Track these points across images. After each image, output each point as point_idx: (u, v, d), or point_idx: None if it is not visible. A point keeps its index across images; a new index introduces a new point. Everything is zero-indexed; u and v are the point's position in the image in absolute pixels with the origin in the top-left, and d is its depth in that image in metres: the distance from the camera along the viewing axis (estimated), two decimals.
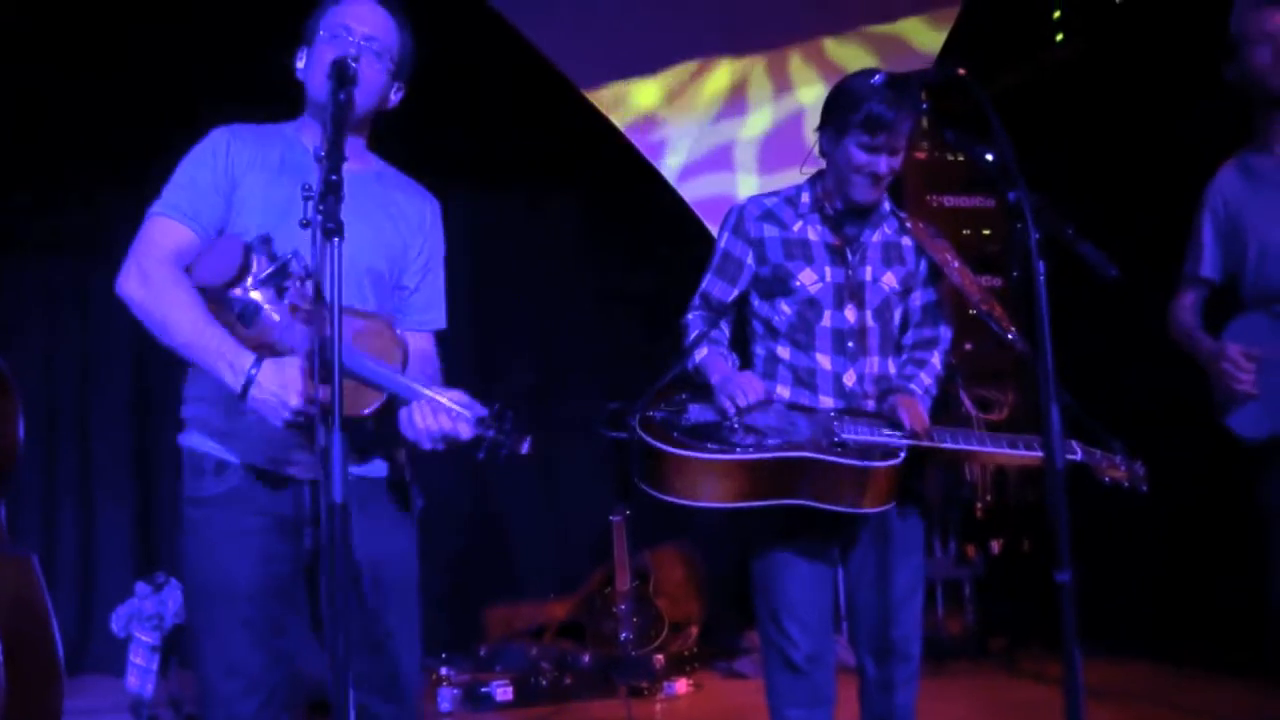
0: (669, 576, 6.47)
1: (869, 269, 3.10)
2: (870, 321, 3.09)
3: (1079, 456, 2.99)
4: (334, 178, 2.29)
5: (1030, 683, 5.68)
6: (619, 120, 6.59)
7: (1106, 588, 5.38)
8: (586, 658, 5.93)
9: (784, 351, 3.12)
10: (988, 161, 2.63)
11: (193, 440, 2.61)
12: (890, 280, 3.12)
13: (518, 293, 7.11)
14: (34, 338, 6.54)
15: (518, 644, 6.21)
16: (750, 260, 3.14)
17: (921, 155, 6.51)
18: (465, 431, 2.44)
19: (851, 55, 6.57)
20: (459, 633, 6.35)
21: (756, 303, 3.17)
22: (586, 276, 7.31)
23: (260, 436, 2.49)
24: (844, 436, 2.93)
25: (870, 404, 3.07)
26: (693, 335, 3.14)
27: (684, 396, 3.05)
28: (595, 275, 7.29)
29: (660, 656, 5.91)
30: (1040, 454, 2.65)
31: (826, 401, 3.06)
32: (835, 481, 2.90)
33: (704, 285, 3.20)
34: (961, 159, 6.45)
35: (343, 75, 2.49)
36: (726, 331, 3.22)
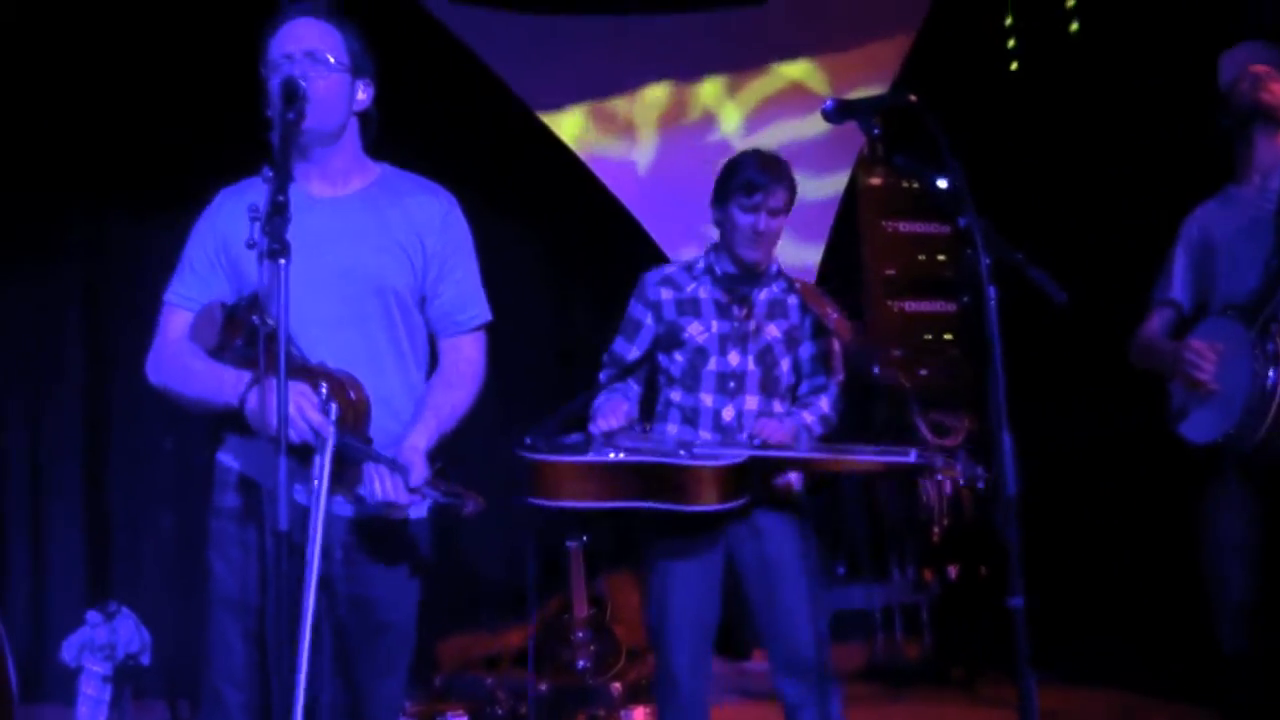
0: (626, 603, 6.44)
1: (754, 322, 3.51)
2: (752, 365, 3.48)
3: (912, 459, 3.20)
4: (280, 198, 2.30)
5: (989, 709, 5.67)
6: (577, 146, 6.60)
7: (1065, 614, 5.40)
8: (543, 687, 5.88)
9: (676, 395, 3.53)
10: (939, 187, 2.64)
11: (223, 456, 2.70)
12: (774, 331, 3.52)
13: None
14: None
15: (473, 674, 6.15)
16: (649, 321, 3.58)
17: (876, 181, 6.57)
18: (402, 497, 2.49)
19: (808, 78, 6.62)
20: (414, 663, 6.29)
21: (660, 357, 3.58)
22: (545, 306, 7.28)
23: (270, 460, 2.49)
24: (694, 450, 3.27)
25: (741, 438, 3.40)
26: (600, 386, 3.57)
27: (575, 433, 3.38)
28: (555, 304, 7.28)
29: (618, 684, 5.87)
30: (881, 459, 3.18)
31: (705, 435, 3.44)
32: (673, 482, 3.20)
33: (612, 345, 3.65)
34: (915, 185, 6.50)
35: (291, 94, 2.51)
36: (635, 387, 3.62)
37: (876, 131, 2.86)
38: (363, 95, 2.75)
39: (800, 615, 3.42)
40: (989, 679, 5.99)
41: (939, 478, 3.30)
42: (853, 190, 6.69)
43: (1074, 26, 6.35)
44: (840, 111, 2.95)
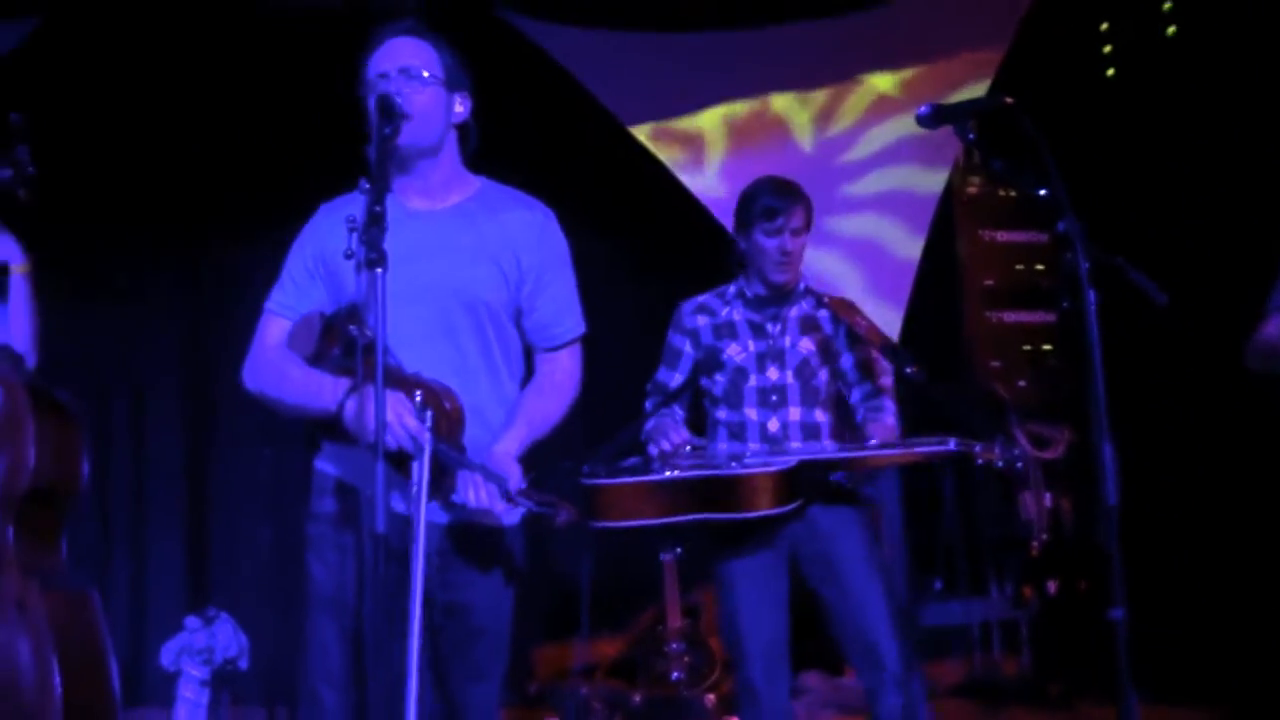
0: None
1: (788, 338, 3.65)
2: (791, 379, 3.62)
3: (952, 447, 3.26)
4: (377, 209, 2.33)
5: None
6: (666, 158, 6.61)
7: (1170, 630, 5.27)
8: (637, 697, 5.88)
9: (721, 413, 3.68)
10: (1037, 193, 2.60)
11: (320, 463, 2.75)
12: (808, 345, 3.65)
13: None
14: (88, 371, 6.64)
15: (568, 683, 6.17)
16: (688, 348, 3.75)
17: (973, 190, 6.48)
18: (497, 505, 2.51)
19: (899, 90, 6.56)
20: (510, 671, 6.32)
21: (702, 380, 3.73)
22: (636, 320, 7.28)
23: (367, 466, 2.52)
24: (745, 460, 3.39)
25: (794, 446, 3.55)
26: (647, 414, 3.73)
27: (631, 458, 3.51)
28: (645, 318, 7.27)
29: (712, 696, 5.84)
30: (921, 450, 3.28)
31: (754, 447, 3.57)
32: (727, 491, 3.31)
33: (655, 375, 3.81)
34: (1012, 193, 6.41)
35: (387, 110, 2.54)
36: (679, 413, 3.77)
37: (972, 136, 2.83)
38: (460, 108, 2.77)
39: (871, 604, 3.50)
40: (1089, 698, 5.86)
41: (979, 462, 3.30)
42: (949, 199, 6.61)
43: (1171, 30, 6.22)
44: (936, 117, 2.92)
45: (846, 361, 3.69)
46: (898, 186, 6.57)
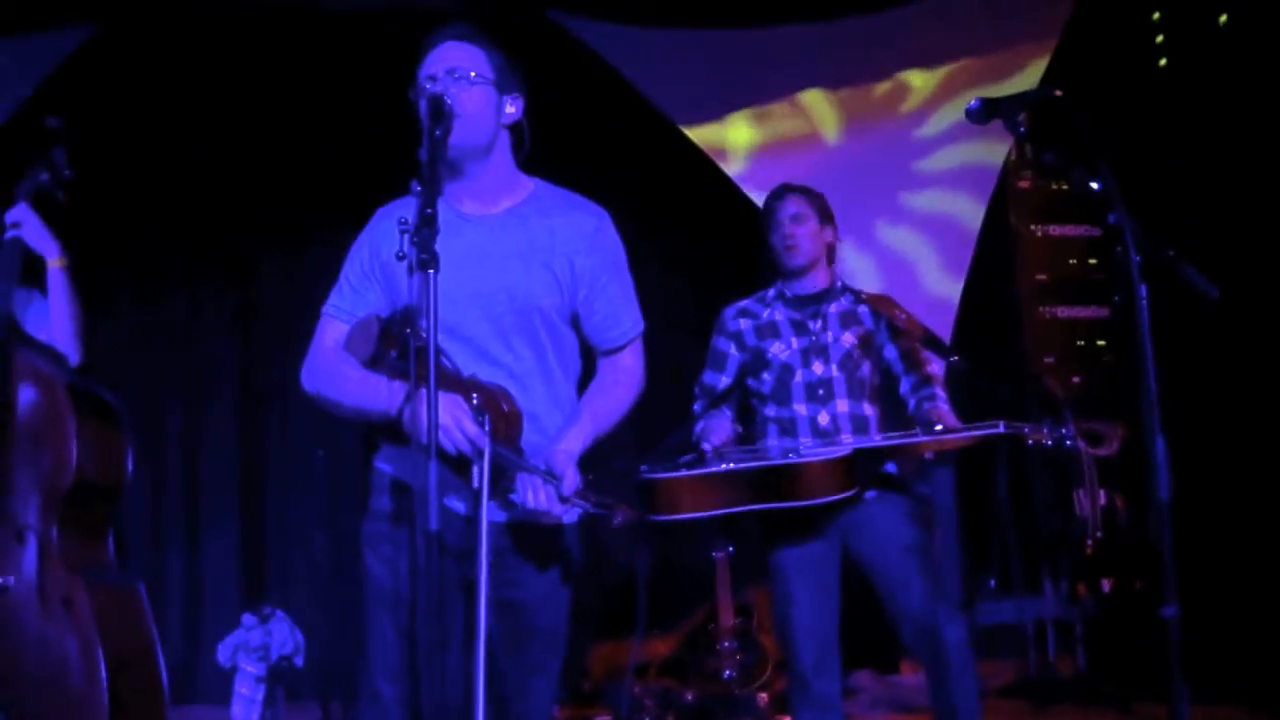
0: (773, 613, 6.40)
1: (830, 333, 3.76)
2: (836, 372, 3.72)
3: (1001, 429, 3.38)
4: (428, 211, 2.34)
5: None
6: (718, 156, 6.60)
7: (1225, 629, 5.21)
8: (690, 696, 5.88)
9: (770, 410, 3.78)
10: (1089, 186, 2.57)
11: (378, 460, 2.77)
12: (849, 338, 3.76)
13: None
14: (141, 370, 6.75)
15: (622, 681, 6.18)
16: (733, 350, 3.87)
17: (1025, 184, 6.42)
18: (555, 507, 2.52)
19: (948, 84, 6.51)
20: (565, 669, 6.35)
21: (749, 380, 3.85)
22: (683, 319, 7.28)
23: (425, 466, 2.55)
24: (802, 451, 3.52)
25: (844, 439, 3.63)
26: (696, 416, 3.86)
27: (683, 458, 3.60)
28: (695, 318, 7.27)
29: (764, 695, 5.83)
30: (971, 434, 3.39)
31: (806, 442, 3.66)
32: (786, 481, 3.42)
33: (702, 378, 3.91)
34: (1064, 187, 6.34)
35: (436, 111, 2.54)
36: (728, 412, 3.87)
37: (1023, 130, 2.81)
38: (511, 109, 2.76)
39: (915, 585, 3.58)
40: (1145, 698, 5.79)
41: (1030, 443, 3.40)
42: (1001, 194, 6.55)
43: (1223, 19, 6.14)
44: (985, 110, 2.90)
45: (891, 353, 3.81)
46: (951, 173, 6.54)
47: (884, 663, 6.17)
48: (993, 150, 6.47)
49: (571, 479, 2.53)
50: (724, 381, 3.87)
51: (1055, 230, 6.46)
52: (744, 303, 3.91)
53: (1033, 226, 6.42)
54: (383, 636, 2.64)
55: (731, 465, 3.47)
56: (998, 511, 6.40)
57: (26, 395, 3.57)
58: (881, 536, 3.63)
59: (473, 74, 2.69)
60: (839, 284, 3.86)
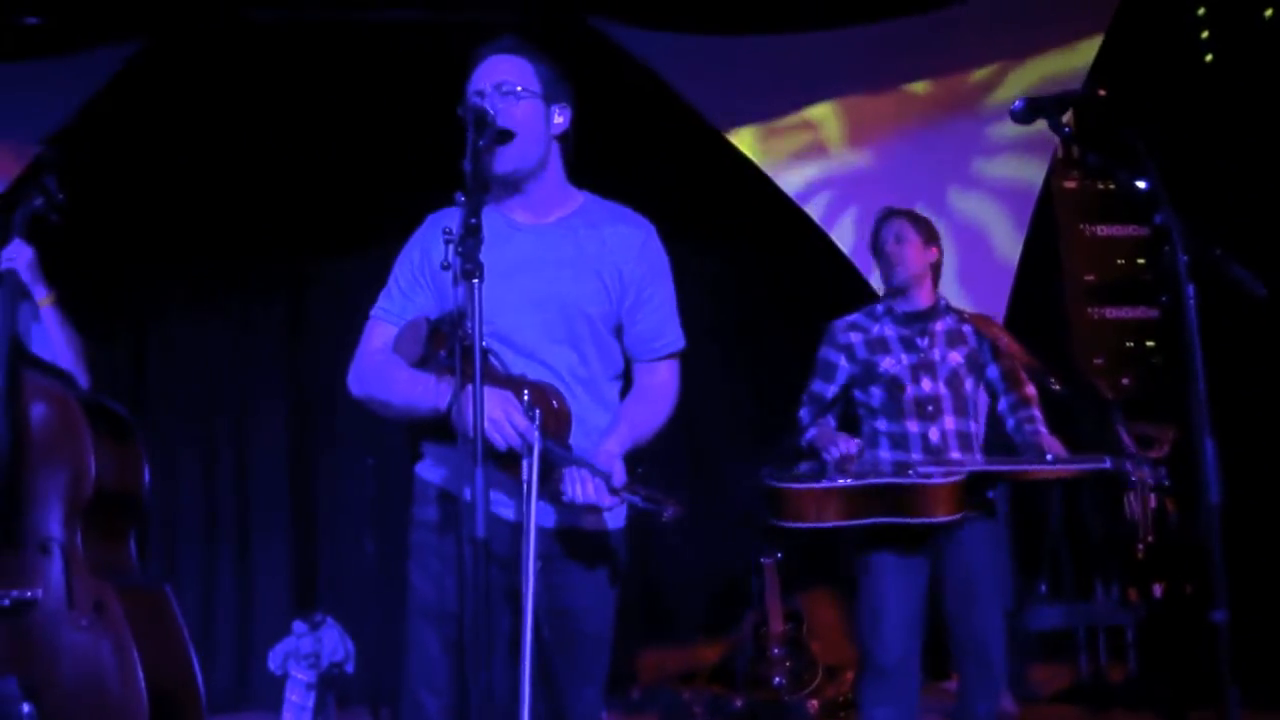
0: (822, 619, 6.38)
1: (937, 351, 3.92)
2: (943, 390, 3.88)
3: (1107, 465, 3.66)
4: (472, 221, 2.38)
5: None
6: (764, 164, 6.59)
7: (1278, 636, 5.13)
8: (739, 702, 5.88)
9: (881, 424, 3.93)
10: (1134, 185, 2.55)
11: (422, 470, 2.80)
12: (955, 357, 3.93)
13: None
14: (192, 383, 6.83)
15: (670, 687, 6.18)
16: (843, 361, 4.02)
17: (1071, 184, 6.37)
18: (604, 500, 2.53)
19: (993, 85, 6.48)
20: (612, 675, 6.35)
21: (856, 393, 4.02)
22: (733, 324, 7.27)
23: (471, 472, 2.56)
24: (918, 469, 3.70)
25: (954, 455, 3.81)
26: (804, 423, 4.02)
27: (802, 463, 3.84)
28: (742, 323, 7.26)
29: (814, 702, 5.81)
30: (1079, 466, 3.68)
31: (918, 458, 3.82)
32: (908, 499, 3.65)
33: (810, 387, 4.07)
34: (1111, 186, 6.29)
35: (480, 122, 2.57)
36: (832, 421, 4.02)
37: (1067, 130, 2.79)
38: (559, 119, 2.80)
39: (991, 614, 3.83)
40: (1197, 704, 5.71)
41: (1134, 487, 3.70)
42: (1048, 195, 6.50)
43: (1268, 13, 6.07)
44: (1029, 111, 2.89)
45: (993, 372, 4.01)
46: (1000, 177, 6.49)
47: (933, 670, 6.15)
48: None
49: (619, 474, 2.55)
50: (832, 391, 4.03)
51: (1103, 230, 6.42)
52: (854, 317, 4.07)
53: (1080, 226, 6.38)
54: (424, 649, 2.67)
55: (857, 481, 3.68)
56: (1049, 516, 6.36)
57: (39, 412, 3.66)
58: (969, 555, 3.81)
59: (519, 88, 2.73)
60: (943, 303, 4.03)
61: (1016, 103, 2.92)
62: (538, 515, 2.53)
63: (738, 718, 5.76)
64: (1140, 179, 2.50)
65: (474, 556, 2.30)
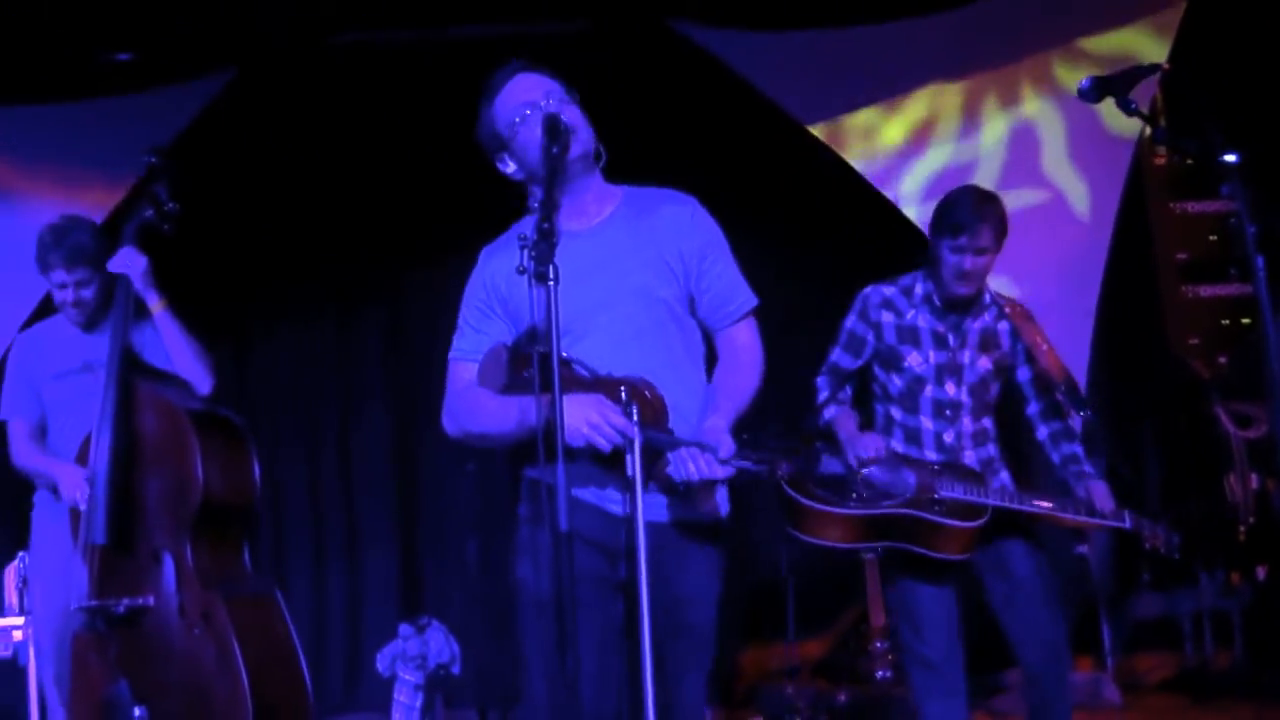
0: None
1: (968, 353, 3.77)
2: (965, 397, 3.77)
3: (1128, 525, 3.64)
4: (546, 225, 2.45)
5: None
6: (847, 153, 6.59)
7: None
8: (842, 697, 5.86)
9: (896, 413, 3.82)
10: (1207, 158, 2.54)
11: (529, 470, 2.84)
12: (985, 363, 3.79)
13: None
14: (299, 394, 7.01)
15: (774, 683, 6.18)
16: (871, 339, 3.84)
17: (1160, 160, 6.25)
18: (717, 472, 2.58)
19: (1078, 61, 6.39)
20: (715, 672, 6.37)
21: (877, 370, 3.86)
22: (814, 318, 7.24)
23: (585, 473, 2.66)
24: (942, 494, 3.58)
25: (968, 455, 3.76)
26: (822, 396, 3.87)
27: (819, 446, 3.71)
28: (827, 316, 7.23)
29: None
30: (1113, 523, 3.62)
31: (930, 455, 3.75)
32: (927, 533, 3.57)
33: (832, 358, 3.90)
34: (1207, 162, 6.16)
35: (555, 129, 2.66)
36: (849, 393, 3.90)
37: (1134, 105, 2.78)
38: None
39: (1041, 617, 3.71)
40: None
41: (1146, 545, 3.66)
42: (1138, 172, 6.38)
43: None
44: (1097, 89, 2.88)
45: (1023, 375, 3.87)
46: (1089, 159, 6.40)
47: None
48: None
49: (726, 444, 2.60)
50: (855, 366, 3.87)
51: (1194, 207, 6.29)
52: (890, 292, 3.85)
53: (1171, 204, 6.26)
54: (535, 641, 2.71)
55: (871, 511, 3.59)
56: (1149, 502, 6.26)
57: (150, 423, 3.78)
58: (1012, 573, 3.72)
59: (563, 96, 2.82)
60: (987, 297, 3.83)
61: (1084, 81, 2.92)
62: (650, 509, 2.58)
63: (841, 713, 5.74)
64: (1214, 152, 2.48)
65: (560, 549, 2.38)
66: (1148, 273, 6.42)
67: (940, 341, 3.77)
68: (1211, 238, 6.23)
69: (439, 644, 5.48)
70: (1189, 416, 5.67)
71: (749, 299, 2.91)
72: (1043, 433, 3.90)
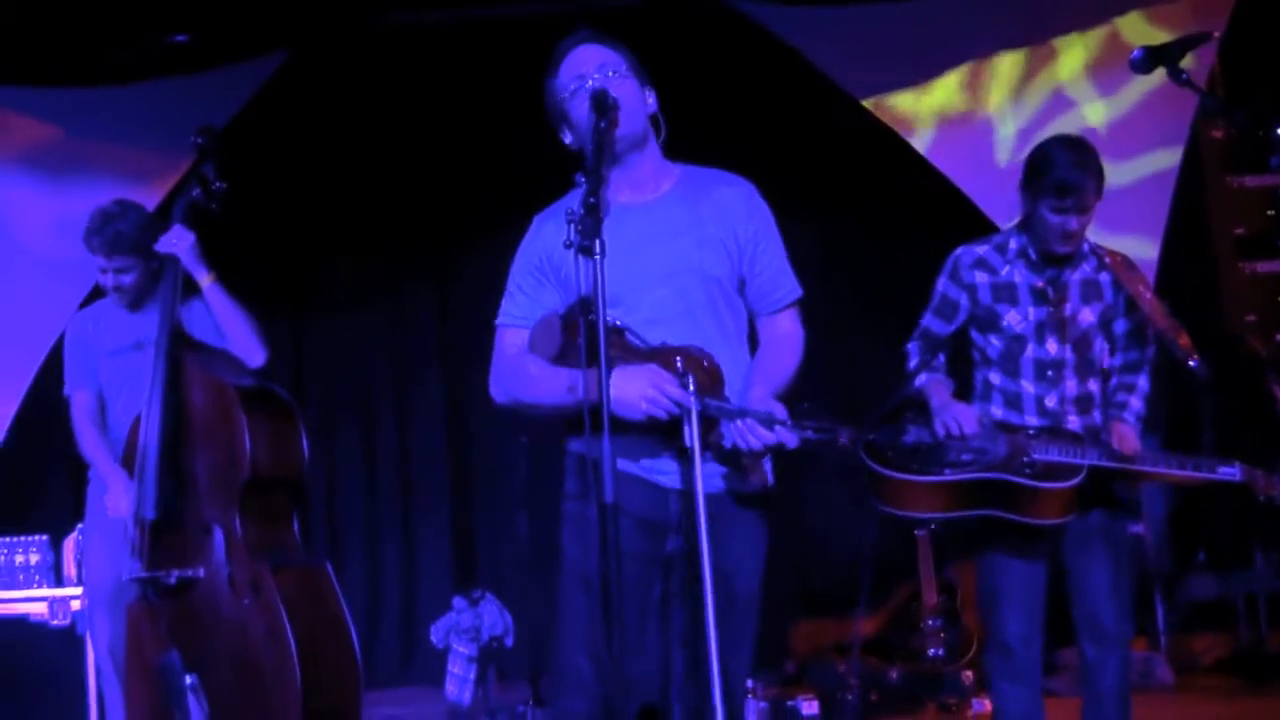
0: (976, 590, 6.32)
1: (1069, 306, 3.58)
2: (1069, 354, 3.58)
3: (1238, 476, 3.44)
4: (592, 200, 2.47)
5: None
6: (900, 127, 6.55)
7: None
8: (894, 674, 5.86)
9: (995, 378, 3.64)
10: (1260, 130, 2.51)
11: (574, 443, 2.84)
12: (1089, 315, 3.58)
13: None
14: (353, 371, 7.10)
15: (825, 660, 6.19)
16: (965, 301, 3.66)
17: (1217, 134, 6.14)
18: (773, 438, 2.59)
19: (1136, 31, 6.30)
20: (766, 647, 6.38)
21: (974, 334, 3.69)
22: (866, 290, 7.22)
23: (632, 446, 2.68)
24: (1035, 457, 3.43)
25: (1071, 420, 3.56)
26: (914, 363, 3.71)
27: (908, 416, 3.60)
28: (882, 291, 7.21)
29: (969, 673, 5.75)
30: (1223, 475, 3.41)
31: (1031, 420, 3.57)
32: (1018, 498, 3.41)
33: (924, 322, 3.74)
34: (1262, 134, 6.08)
35: (602, 104, 2.67)
36: (942, 359, 3.74)
37: (1184, 76, 2.75)
38: (650, 100, 2.89)
39: (1106, 595, 3.58)
40: None
41: (1261, 498, 3.48)
42: (1194, 146, 6.28)
43: None
44: (1149, 59, 2.87)
45: (1121, 327, 3.65)
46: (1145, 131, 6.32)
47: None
48: None
49: (780, 409, 2.62)
50: (948, 331, 3.71)
51: (1252, 181, 6.17)
52: (983, 251, 3.66)
53: (1228, 178, 6.15)
54: (577, 614, 2.73)
55: (962, 475, 3.45)
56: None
57: (198, 398, 3.85)
58: (1088, 544, 3.59)
59: (619, 70, 2.82)
60: (1085, 245, 3.60)
61: (1135, 51, 2.90)
62: (705, 480, 2.58)
63: (893, 690, 5.74)
64: (1267, 122, 2.46)
65: (605, 521, 2.41)
66: (1204, 248, 6.33)
67: (1039, 296, 3.57)
68: (1269, 212, 6.12)
69: (493, 616, 5.54)
70: (1245, 395, 5.58)
71: (795, 289, 2.92)
72: (1117, 360, 3.69)
